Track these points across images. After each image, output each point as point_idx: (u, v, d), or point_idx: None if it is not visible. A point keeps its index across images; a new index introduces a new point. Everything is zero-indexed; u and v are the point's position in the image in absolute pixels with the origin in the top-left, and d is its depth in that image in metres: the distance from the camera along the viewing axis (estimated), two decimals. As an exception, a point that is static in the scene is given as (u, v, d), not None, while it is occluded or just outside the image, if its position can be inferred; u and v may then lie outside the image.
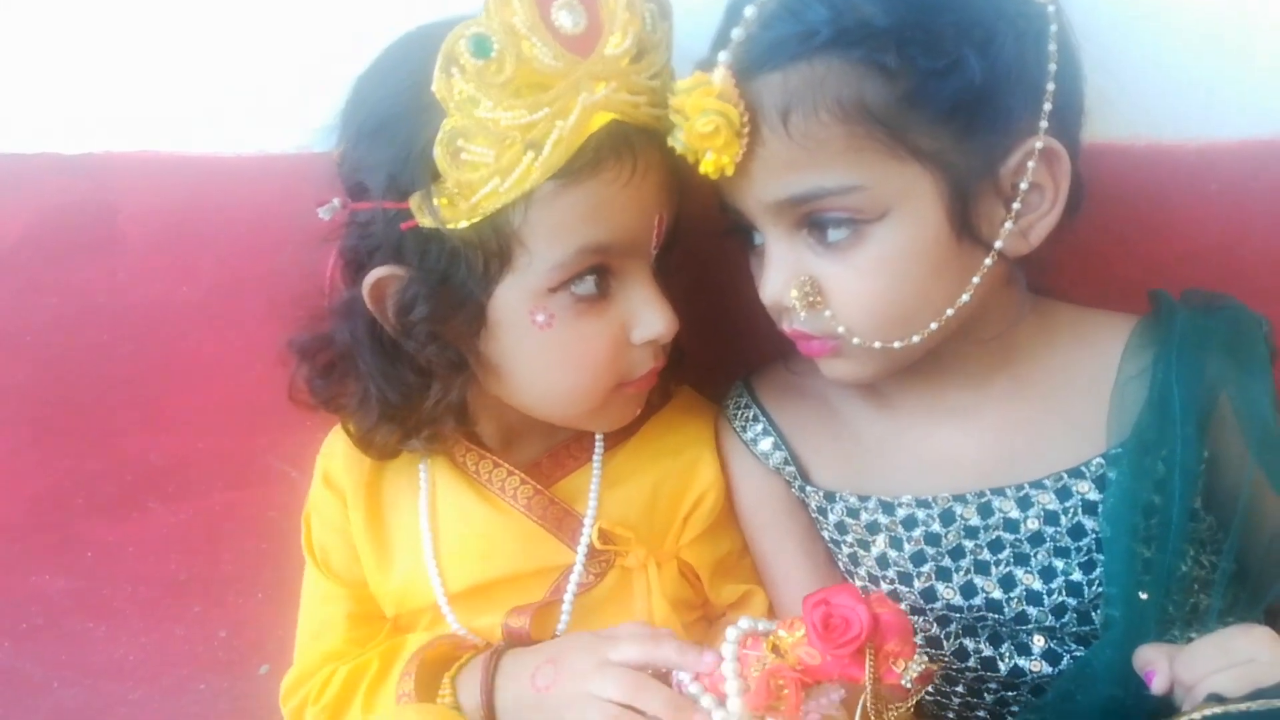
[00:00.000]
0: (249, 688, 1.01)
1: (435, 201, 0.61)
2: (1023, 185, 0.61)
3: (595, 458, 0.76)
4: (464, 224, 0.62)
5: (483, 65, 0.58)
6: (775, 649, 0.60)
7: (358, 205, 0.66)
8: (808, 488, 0.75)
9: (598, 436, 0.77)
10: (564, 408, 0.71)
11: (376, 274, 0.66)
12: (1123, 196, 0.81)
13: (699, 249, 0.74)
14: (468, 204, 0.61)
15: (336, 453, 0.79)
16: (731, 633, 0.61)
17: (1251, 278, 0.81)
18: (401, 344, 0.67)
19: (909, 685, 0.58)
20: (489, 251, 0.63)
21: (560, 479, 0.76)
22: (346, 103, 0.69)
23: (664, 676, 0.63)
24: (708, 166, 0.60)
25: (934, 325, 0.64)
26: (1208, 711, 0.51)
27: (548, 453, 0.77)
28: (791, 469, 0.75)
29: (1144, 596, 0.63)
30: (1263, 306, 0.73)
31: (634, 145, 0.63)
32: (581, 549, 0.74)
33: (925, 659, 0.59)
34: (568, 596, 0.74)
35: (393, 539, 0.77)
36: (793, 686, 0.58)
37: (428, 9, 0.80)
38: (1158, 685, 0.57)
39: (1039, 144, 0.61)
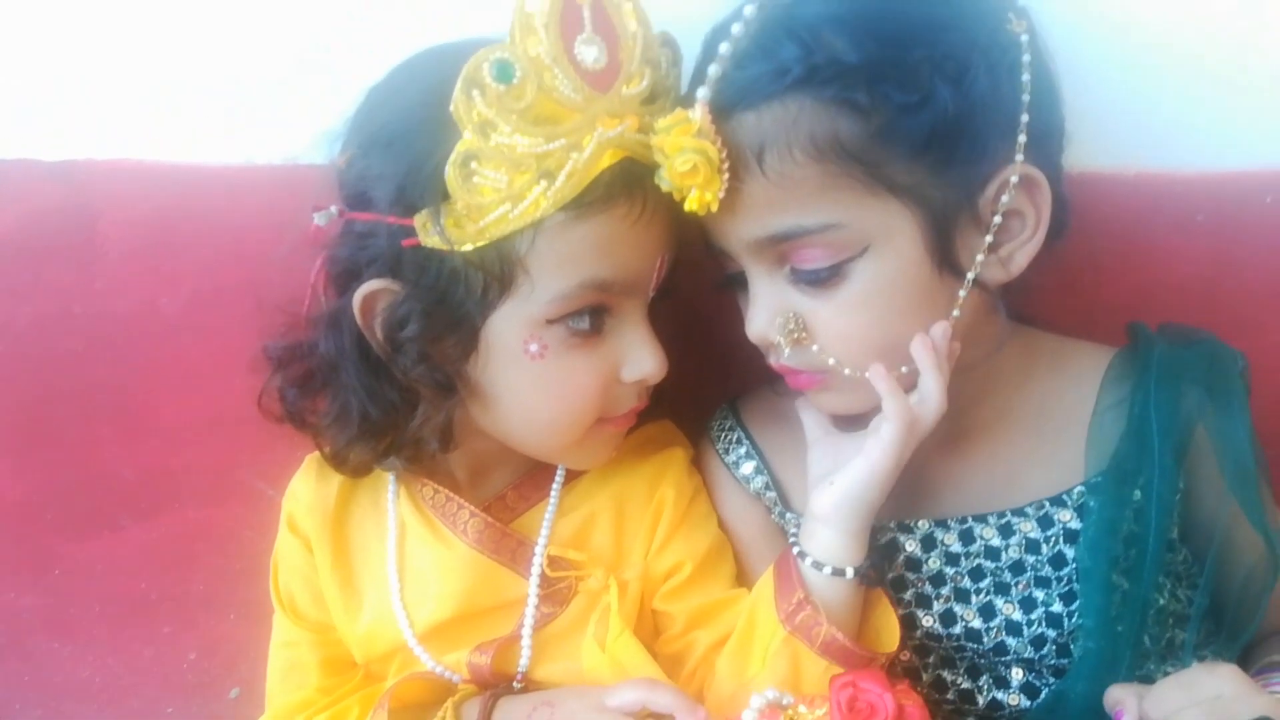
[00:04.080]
0: (219, 711, 1.03)
1: (442, 221, 0.64)
2: (996, 219, 0.65)
3: (554, 486, 0.79)
4: (469, 247, 0.64)
5: (504, 90, 0.60)
6: None
7: (358, 215, 0.68)
8: (788, 514, 0.78)
9: (559, 466, 0.79)
10: (544, 439, 0.73)
11: (369, 286, 0.68)
12: (1110, 224, 0.84)
13: (692, 276, 0.76)
14: (475, 227, 0.64)
15: (300, 495, 0.82)
16: (755, 699, 0.63)
17: (1234, 309, 0.85)
18: (387, 361, 0.69)
19: None
20: (491, 276, 0.65)
21: (525, 511, 0.79)
22: (357, 111, 0.72)
23: None
24: (692, 203, 0.63)
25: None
26: (1175, 745, 0.55)
27: (513, 485, 0.80)
28: (772, 494, 0.79)
29: (1120, 629, 0.67)
30: (1244, 338, 0.77)
31: (645, 184, 0.65)
32: (533, 579, 0.76)
33: None
34: (525, 629, 0.76)
35: (360, 581, 0.79)
36: None
37: (415, 25, 0.85)
38: None
39: (1016, 174, 0.64)
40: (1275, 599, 0.72)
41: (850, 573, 0.68)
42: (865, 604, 0.70)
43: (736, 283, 0.72)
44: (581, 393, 0.70)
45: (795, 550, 0.70)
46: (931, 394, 0.66)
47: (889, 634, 0.69)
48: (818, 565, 0.68)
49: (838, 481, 0.68)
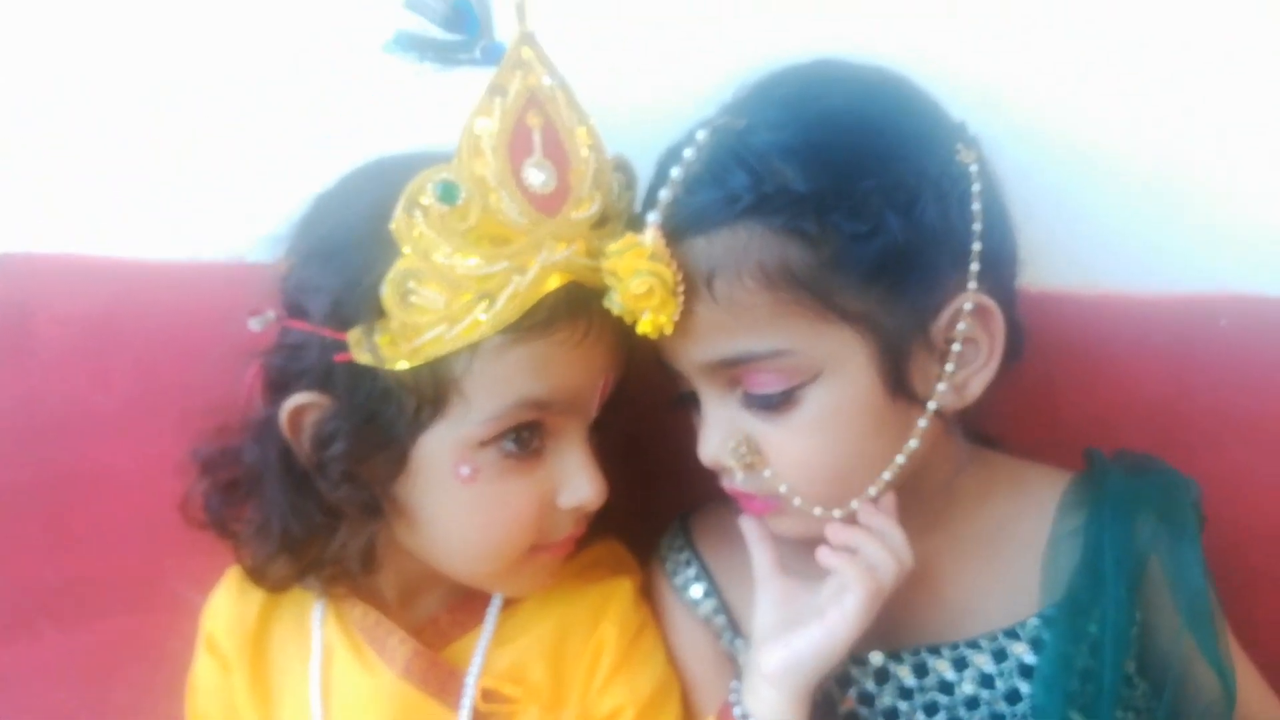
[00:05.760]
0: (134, 834, 0.98)
1: (376, 339, 0.63)
2: (955, 346, 0.66)
3: (490, 612, 0.76)
4: (403, 365, 0.63)
5: (447, 211, 0.61)
6: None
7: (293, 323, 0.68)
8: (737, 641, 0.77)
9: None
10: (474, 565, 0.72)
11: (297, 400, 0.67)
12: (1069, 344, 0.86)
13: (648, 389, 0.76)
14: (410, 346, 0.63)
15: (220, 612, 0.80)
16: None
17: (1190, 431, 0.86)
18: (313, 477, 0.68)
19: None
20: (423, 397, 0.65)
21: (458, 637, 0.76)
22: (302, 218, 0.72)
23: None
24: (645, 326, 0.63)
25: (872, 489, 0.68)
26: None
27: (446, 609, 0.77)
28: (721, 619, 0.77)
29: None
30: (1200, 460, 0.79)
31: (589, 308, 0.65)
32: (463, 712, 0.73)
33: None
34: None
35: (280, 706, 0.77)
36: None
37: (371, 124, 0.86)
38: None
39: (968, 302, 0.65)
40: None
41: None
42: None
43: (690, 401, 0.72)
44: (514, 518, 0.69)
45: (737, 711, 0.68)
46: (882, 560, 0.66)
47: None
48: None
49: (793, 644, 0.66)
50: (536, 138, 0.62)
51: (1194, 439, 0.86)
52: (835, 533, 0.68)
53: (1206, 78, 0.83)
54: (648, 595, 0.81)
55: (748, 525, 0.74)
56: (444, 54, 0.66)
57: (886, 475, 0.67)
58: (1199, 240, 0.86)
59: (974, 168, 0.66)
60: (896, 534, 0.68)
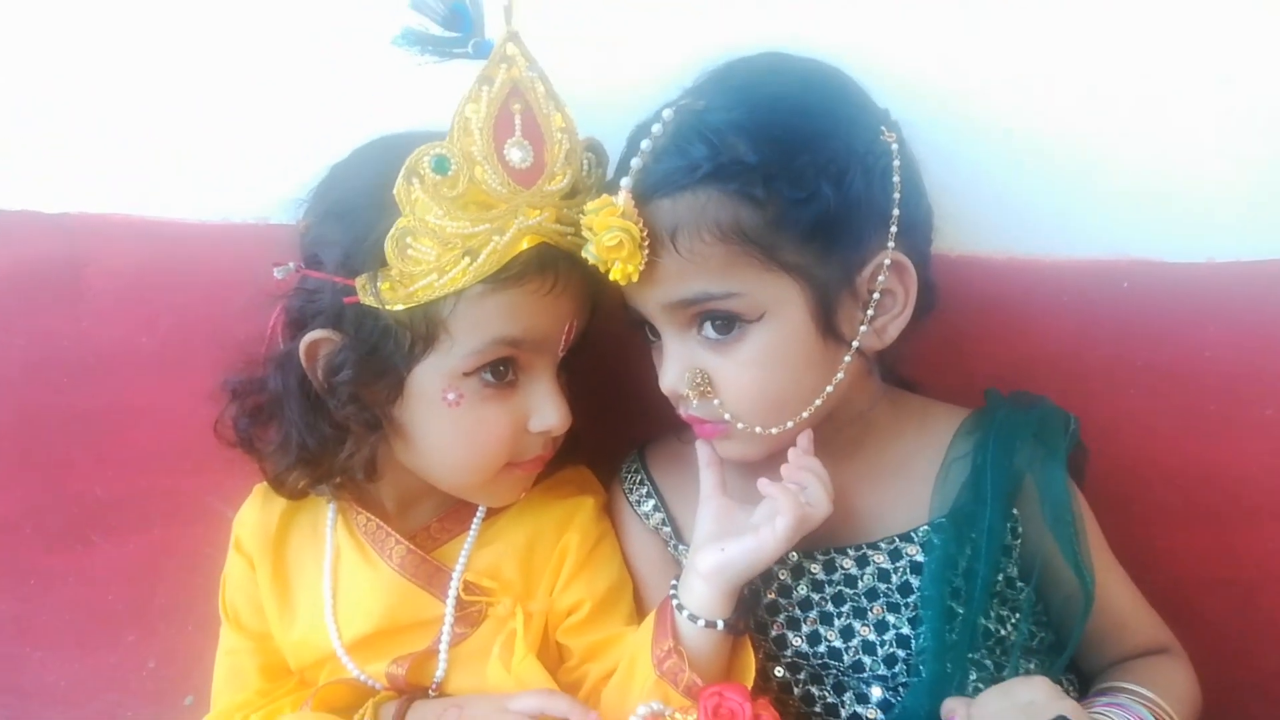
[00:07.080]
0: (174, 716, 1.13)
1: (379, 285, 0.76)
2: (875, 295, 0.78)
3: (475, 521, 0.91)
4: (400, 307, 0.76)
5: (439, 180, 0.72)
6: None
7: (310, 272, 0.80)
8: (680, 547, 0.91)
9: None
10: (457, 478, 0.85)
11: (313, 335, 0.80)
12: (984, 303, 0.98)
13: (613, 339, 0.89)
14: (406, 291, 0.76)
15: (246, 520, 0.94)
16: (641, 709, 0.77)
17: (1093, 382, 0.98)
18: (325, 399, 0.81)
19: None
20: (417, 333, 0.78)
21: (446, 541, 0.91)
22: (319, 184, 0.85)
23: None
24: (616, 274, 0.75)
25: (805, 414, 0.81)
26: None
27: (438, 518, 0.92)
28: (668, 529, 0.92)
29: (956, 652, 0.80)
30: (1101, 408, 0.91)
31: (557, 265, 0.78)
32: (450, 601, 0.88)
33: None
34: (442, 646, 0.88)
35: (295, 596, 0.91)
36: None
37: (376, 106, 0.98)
38: None
39: (888, 259, 0.78)
40: (1109, 632, 0.86)
41: (720, 625, 0.79)
42: (731, 646, 0.82)
43: (645, 325, 0.84)
44: (492, 439, 0.82)
45: (674, 601, 0.81)
46: (820, 499, 0.79)
47: (747, 675, 0.81)
48: (693, 618, 0.79)
49: (727, 549, 0.79)
50: (517, 121, 0.74)
51: (1094, 388, 0.98)
52: (790, 472, 0.81)
53: (1108, 57, 0.91)
54: (609, 512, 0.96)
55: (701, 449, 0.87)
56: (442, 48, 0.75)
57: (817, 402, 0.80)
58: (1104, 210, 0.95)
59: (895, 147, 0.79)
60: (827, 480, 0.81)
